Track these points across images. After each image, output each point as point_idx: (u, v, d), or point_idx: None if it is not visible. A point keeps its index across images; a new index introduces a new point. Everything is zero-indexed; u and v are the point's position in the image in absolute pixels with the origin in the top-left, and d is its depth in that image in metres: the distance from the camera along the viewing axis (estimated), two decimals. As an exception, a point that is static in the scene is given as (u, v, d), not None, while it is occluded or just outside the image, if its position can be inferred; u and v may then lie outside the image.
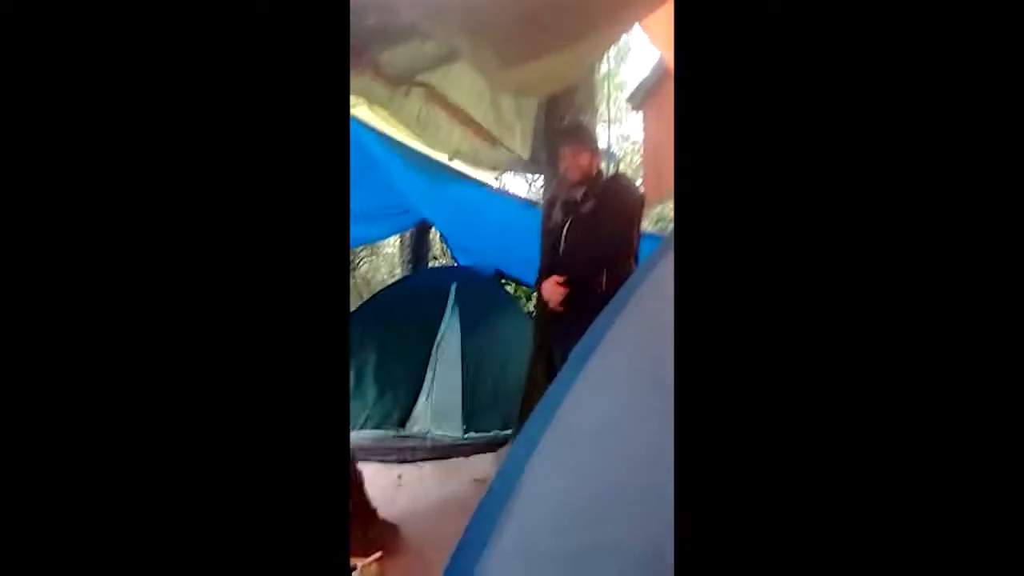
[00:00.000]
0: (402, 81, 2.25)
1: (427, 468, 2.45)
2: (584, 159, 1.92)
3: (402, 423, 2.81)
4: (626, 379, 0.61)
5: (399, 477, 2.35)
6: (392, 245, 6.28)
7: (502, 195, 3.26)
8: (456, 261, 3.91)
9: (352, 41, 1.92)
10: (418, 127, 2.43)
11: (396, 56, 2.08)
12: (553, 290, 1.87)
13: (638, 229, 1.98)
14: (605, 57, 3.18)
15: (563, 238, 1.98)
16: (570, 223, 1.95)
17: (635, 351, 0.63)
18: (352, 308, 3.50)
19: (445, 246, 4.33)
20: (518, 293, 4.21)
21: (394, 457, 2.51)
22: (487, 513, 0.63)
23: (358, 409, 2.80)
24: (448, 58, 2.16)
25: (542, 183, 2.59)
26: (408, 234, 4.23)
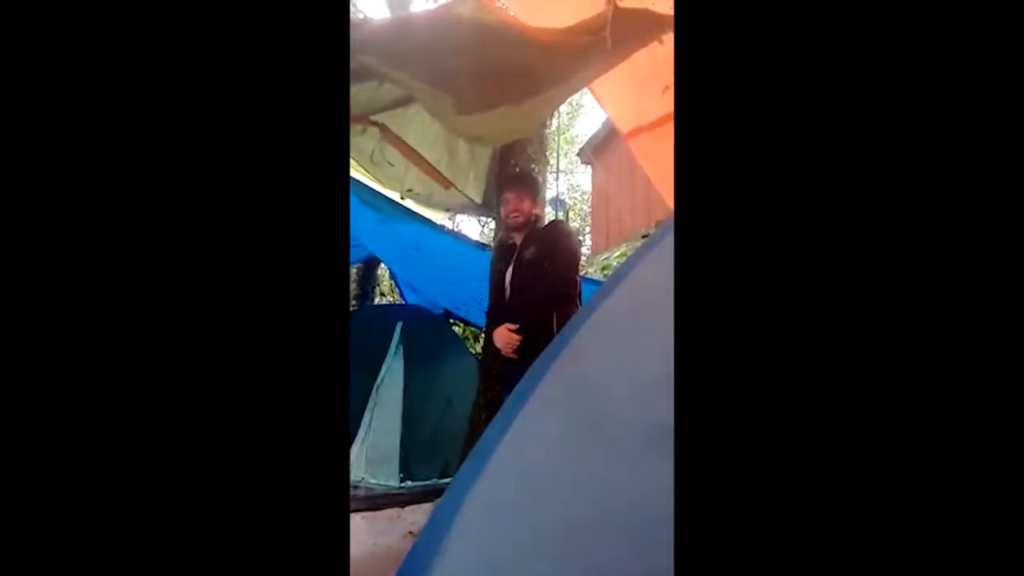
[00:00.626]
0: (359, 119, 2.27)
1: (358, 520, 2.30)
2: (526, 205, 1.98)
3: (335, 469, 2.65)
4: (562, 425, 0.61)
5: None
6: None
7: (453, 236, 3.27)
8: (404, 299, 3.85)
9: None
10: (372, 165, 2.43)
11: (354, 96, 2.10)
12: (506, 338, 1.88)
13: (577, 273, 2.04)
14: (557, 113, 3.35)
15: (508, 282, 2.01)
16: (513, 267, 2.00)
17: (572, 395, 0.63)
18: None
19: (393, 283, 4.27)
20: (466, 334, 4.18)
21: (323, 507, 2.34)
22: (413, 567, 0.60)
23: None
24: (404, 101, 2.20)
25: (493, 226, 2.63)
26: (356, 268, 4.14)
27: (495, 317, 2.05)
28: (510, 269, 2.01)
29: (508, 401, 0.67)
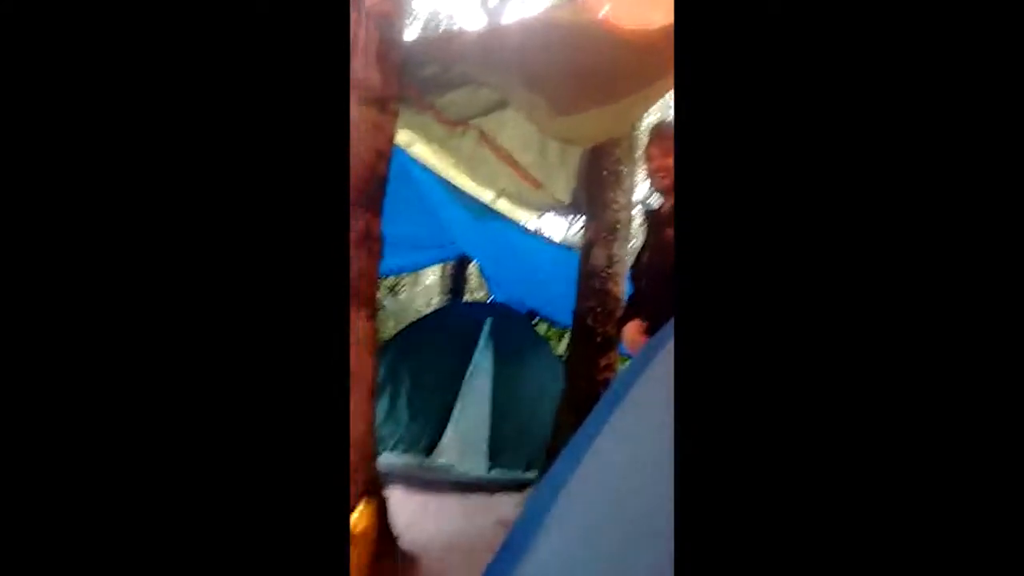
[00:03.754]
0: (457, 123, 2.41)
1: (451, 501, 2.45)
2: (671, 161, 1.52)
3: (428, 451, 2.83)
4: (656, 427, 0.61)
5: (423, 506, 2.36)
6: (432, 275, 6.43)
7: (541, 237, 3.34)
8: (492, 296, 3.99)
9: (414, 85, 2.09)
10: (469, 165, 2.57)
11: (452, 100, 2.23)
12: (633, 338, 1.56)
13: None
14: (647, 113, 3.29)
15: (645, 265, 1.65)
16: (651, 251, 1.61)
17: (667, 397, 0.64)
18: (390, 334, 3.61)
19: (483, 280, 4.43)
20: (549, 334, 4.23)
21: (419, 486, 2.53)
22: (506, 557, 0.62)
23: (389, 432, 2.85)
24: (501, 105, 2.30)
25: (580, 227, 2.66)
26: (449, 266, 4.36)
27: (632, 305, 1.71)
28: (647, 254, 1.64)
29: (604, 398, 0.69)
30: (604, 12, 1.69)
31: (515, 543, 0.63)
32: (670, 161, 1.53)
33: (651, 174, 1.63)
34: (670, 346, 0.66)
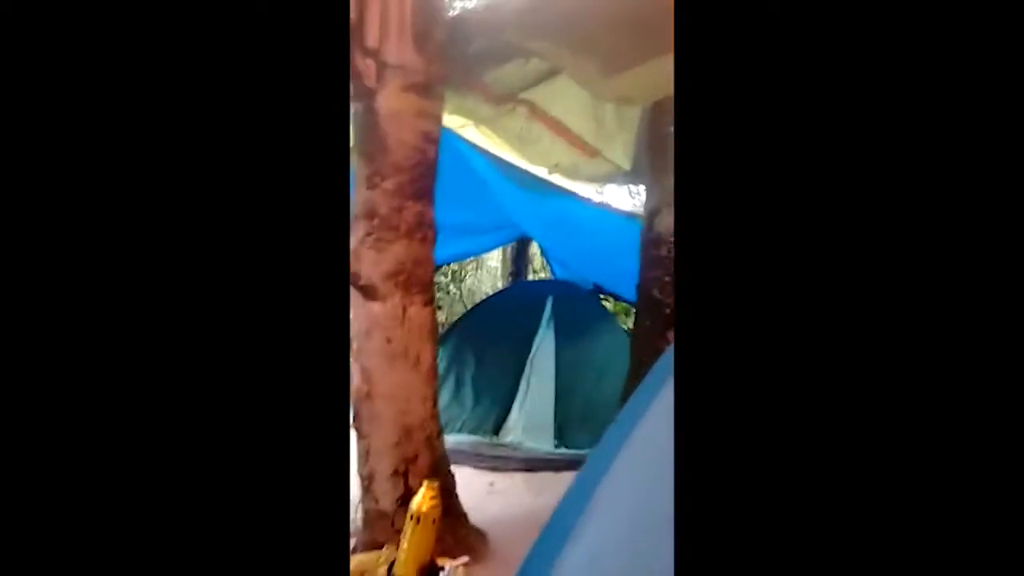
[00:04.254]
0: (506, 100, 2.34)
1: (518, 479, 2.46)
2: None
3: (496, 431, 2.86)
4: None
5: (491, 484, 2.39)
6: (495, 258, 6.49)
7: (602, 208, 3.21)
8: (554, 275, 3.92)
9: (460, 64, 2.05)
10: (519, 143, 2.50)
11: (500, 76, 2.17)
12: None
13: None
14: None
15: None
16: None
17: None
18: (456, 319, 3.68)
19: (544, 260, 4.38)
20: (616, 309, 4.09)
21: (487, 464, 2.56)
22: (557, 527, 0.61)
23: (455, 414, 2.91)
24: (551, 73, 2.20)
25: (644, 195, 2.50)
26: (510, 247, 4.35)
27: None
28: None
29: (650, 375, 0.64)
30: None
31: (565, 511, 0.62)
32: None
33: None
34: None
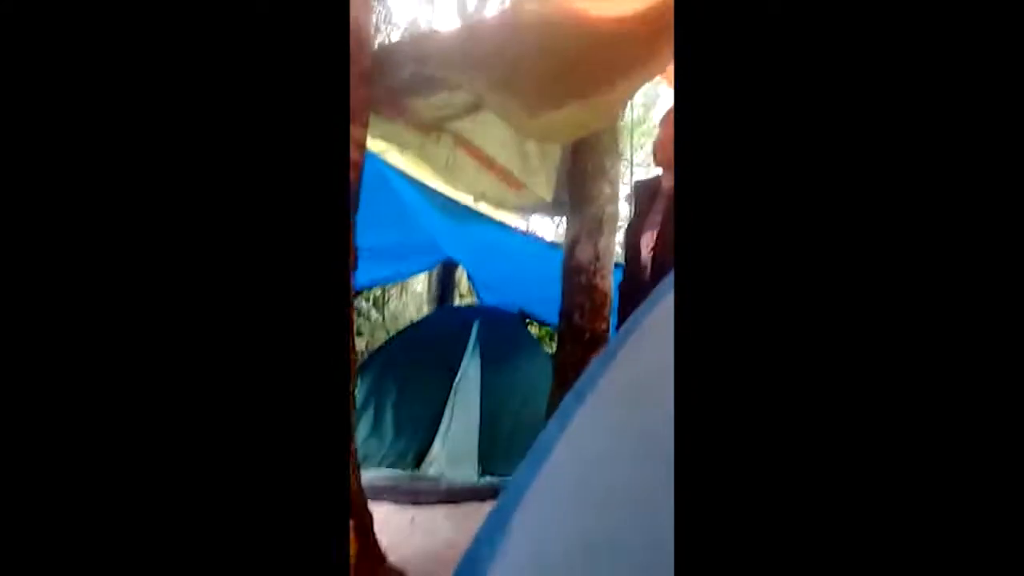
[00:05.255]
0: (432, 128, 2.36)
1: (440, 512, 2.39)
2: (671, 145, 1.60)
3: (417, 464, 2.77)
4: (619, 426, 0.59)
5: (412, 519, 2.30)
6: (421, 283, 6.39)
7: (526, 235, 3.30)
8: (480, 299, 3.94)
9: (387, 89, 2.04)
10: (446, 172, 2.52)
11: (427, 105, 2.19)
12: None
13: None
14: (630, 105, 3.26)
15: (645, 248, 1.69)
16: (659, 229, 1.64)
17: (629, 397, 0.61)
18: (380, 345, 3.55)
19: (470, 284, 4.39)
20: (541, 334, 4.18)
21: (408, 499, 2.46)
22: (474, 558, 0.61)
23: (375, 448, 2.78)
24: (476, 107, 2.26)
25: (565, 225, 2.62)
26: (434, 272, 4.31)
27: (631, 290, 1.71)
28: (651, 232, 1.64)
29: (567, 399, 0.66)
30: (573, 4, 1.65)
31: (476, 554, 0.61)
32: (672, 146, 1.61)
33: (657, 151, 1.76)
34: (632, 342, 0.63)
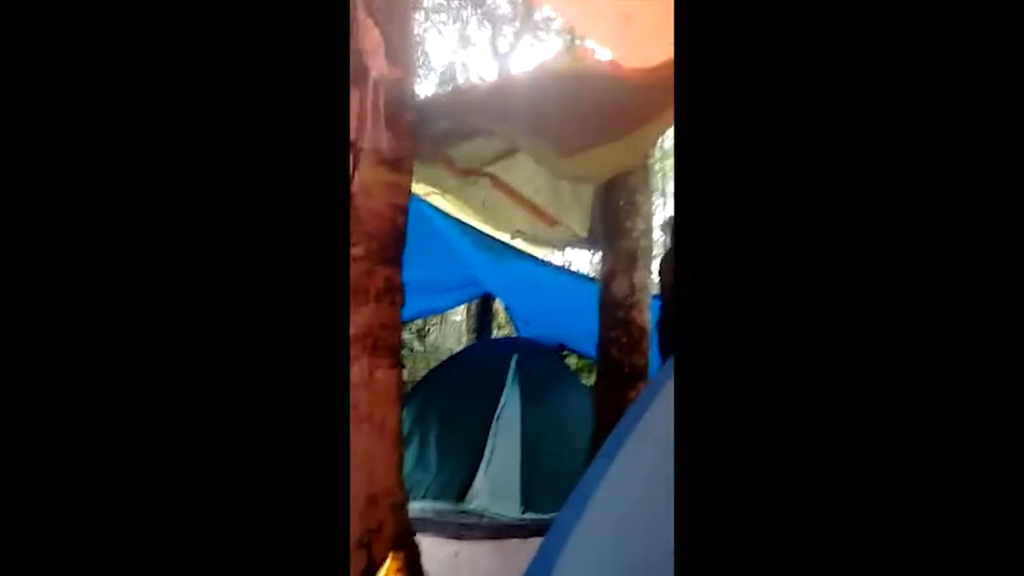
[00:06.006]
0: (470, 172, 2.49)
1: (485, 546, 2.39)
2: None
3: (460, 496, 2.80)
4: (659, 467, 0.61)
5: (456, 554, 2.32)
6: (460, 313, 6.51)
7: (562, 270, 3.35)
8: (518, 332, 3.98)
9: (427, 142, 2.19)
10: (483, 211, 2.64)
11: (464, 152, 2.32)
12: None
13: None
14: (662, 141, 3.32)
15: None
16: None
17: (668, 437, 0.64)
18: (420, 377, 3.64)
19: (509, 316, 4.45)
20: (579, 366, 4.17)
21: (451, 532, 2.49)
22: None
23: (420, 479, 2.83)
24: (511, 151, 2.37)
25: (601, 260, 2.67)
26: (473, 304, 4.41)
27: (669, 322, 1.78)
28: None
29: (608, 441, 0.69)
30: (603, 55, 1.75)
31: None
32: None
33: None
34: (670, 383, 0.66)
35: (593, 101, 1.86)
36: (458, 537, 2.46)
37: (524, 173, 2.49)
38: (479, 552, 2.35)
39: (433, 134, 2.18)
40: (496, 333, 4.48)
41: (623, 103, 1.87)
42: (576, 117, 1.93)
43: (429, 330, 6.35)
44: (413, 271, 2.04)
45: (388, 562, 1.41)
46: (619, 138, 2.02)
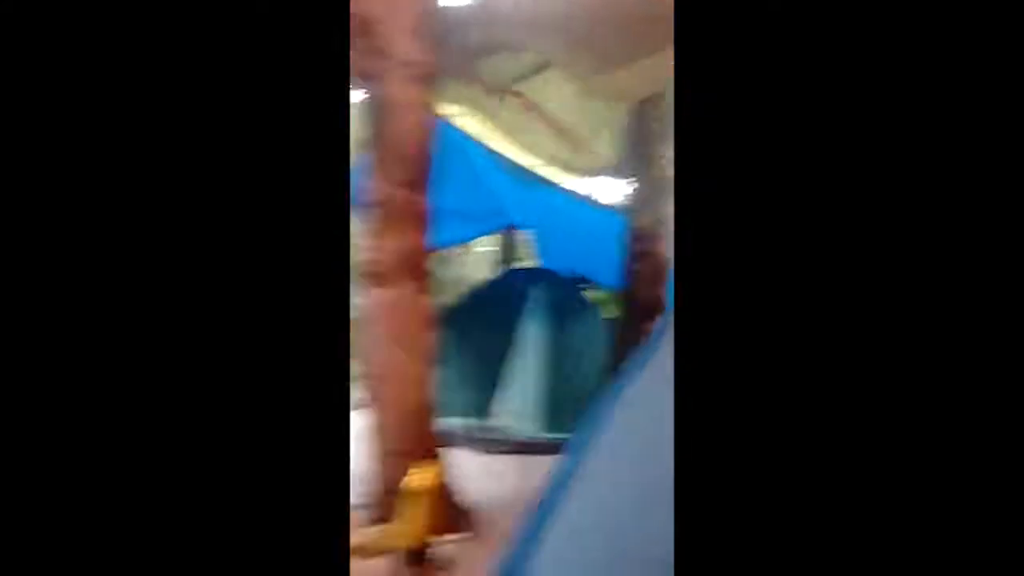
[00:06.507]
0: (499, 90, 2.38)
1: (507, 461, 2.55)
2: None
3: (485, 415, 2.95)
4: (667, 399, 0.59)
5: (481, 465, 2.48)
6: (485, 245, 6.50)
7: (588, 201, 3.27)
8: (542, 263, 3.98)
9: (454, 55, 2.07)
10: (513, 134, 2.54)
11: (494, 66, 2.20)
12: None
13: None
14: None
15: None
16: None
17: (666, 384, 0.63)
18: (446, 305, 3.71)
19: (533, 248, 4.42)
20: (599, 298, 4.18)
21: (477, 447, 2.65)
22: (542, 507, 0.67)
23: (447, 398, 2.98)
24: (542, 67, 2.24)
25: (627, 190, 2.57)
26: (499, 236, 4.38)
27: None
28: None
29: (624, 370, 0.70)
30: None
31: (543, 505, 0.67)
32: None
33: None
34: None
35: (635, 6, 1.70)
36: (483, 451, 2.62)
37: (556, 94, 2.37)
38: (501, 465, 2.51)
39: (460, 47, 2.06)
40: (519, 265, 4.48)
41: (661, 13, 1.70)
42: (612, 27, 1.78)
43: (454, 260, 6.39)
44: (440, 198, 2.02)
45: (418, 469, 1.51)
46: (655, 52, 1.87)
